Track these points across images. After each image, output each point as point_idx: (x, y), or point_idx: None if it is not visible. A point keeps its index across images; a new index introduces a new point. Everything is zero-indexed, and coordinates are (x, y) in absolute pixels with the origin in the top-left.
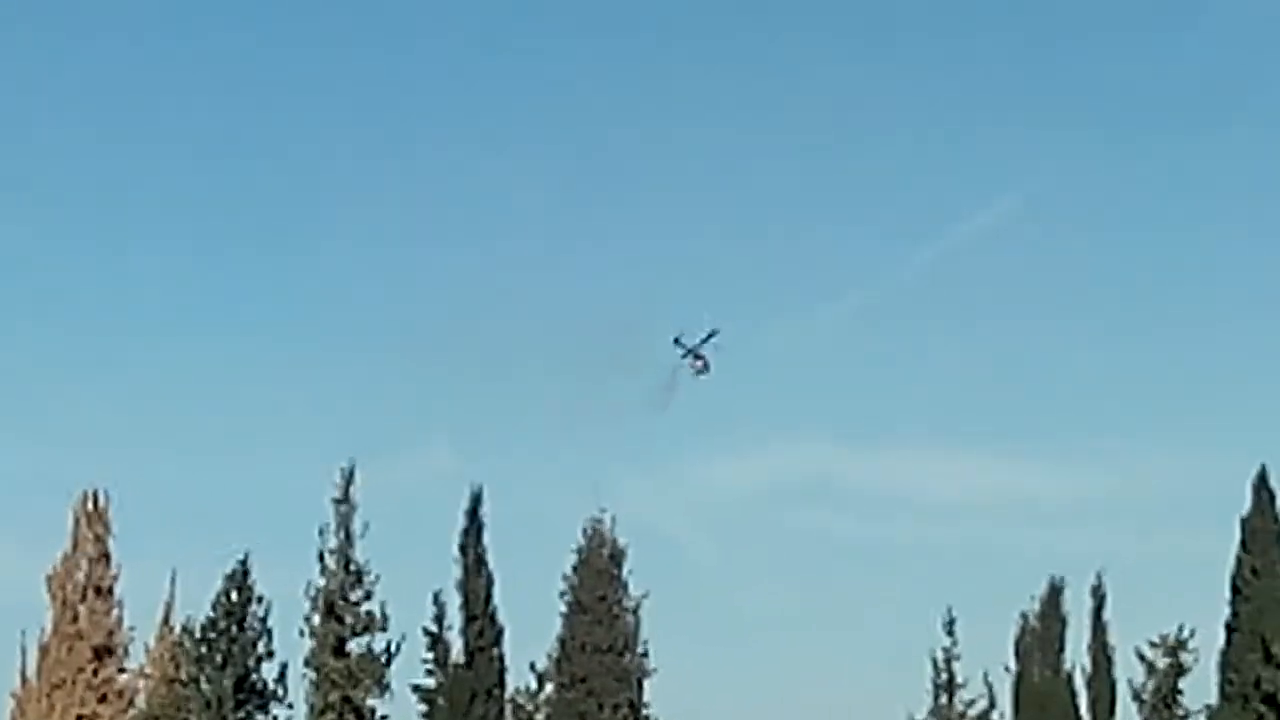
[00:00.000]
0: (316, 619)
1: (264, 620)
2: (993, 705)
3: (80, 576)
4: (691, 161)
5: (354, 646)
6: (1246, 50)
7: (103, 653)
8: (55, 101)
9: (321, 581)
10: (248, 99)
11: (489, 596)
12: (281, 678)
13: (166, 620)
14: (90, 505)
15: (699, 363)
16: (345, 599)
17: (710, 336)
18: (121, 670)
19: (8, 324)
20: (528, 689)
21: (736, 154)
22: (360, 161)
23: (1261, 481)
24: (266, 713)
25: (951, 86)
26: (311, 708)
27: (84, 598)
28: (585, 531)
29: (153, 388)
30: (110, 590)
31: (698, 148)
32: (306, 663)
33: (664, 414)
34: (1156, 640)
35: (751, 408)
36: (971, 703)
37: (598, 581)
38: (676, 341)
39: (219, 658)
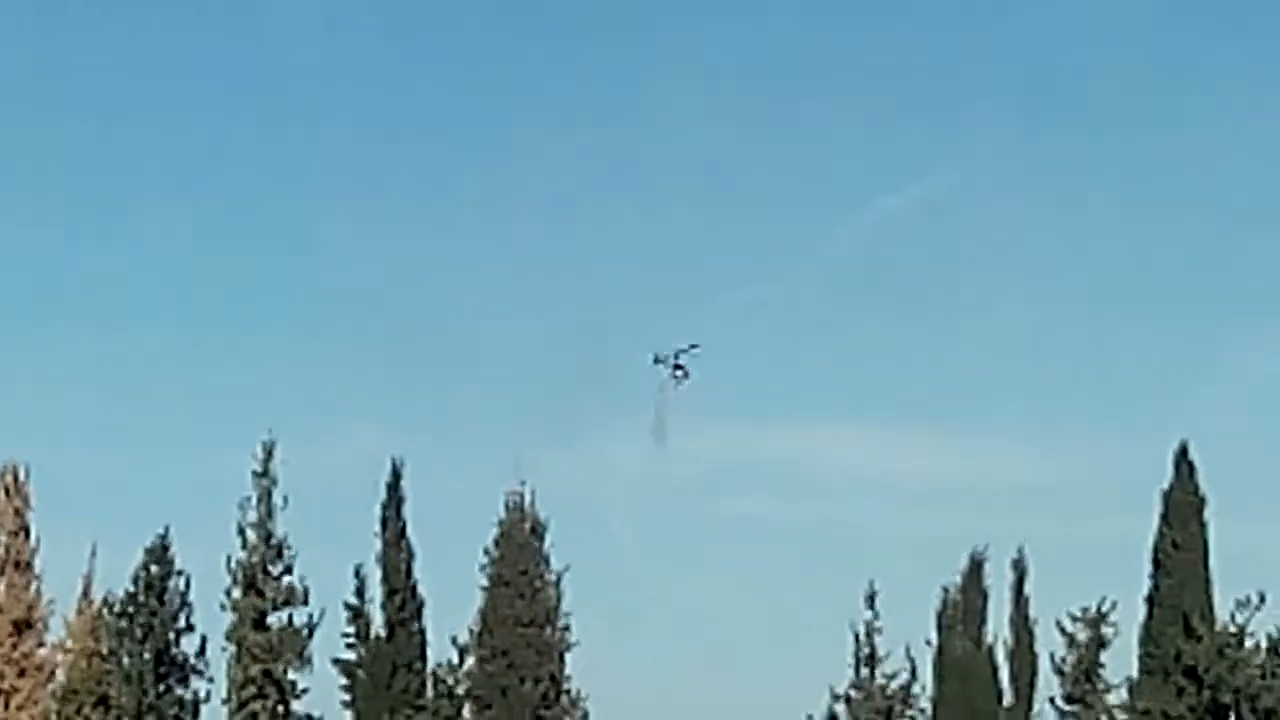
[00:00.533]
0: (237, 593)
1: (184, 594)
2: (914, 678)
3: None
4: (604, 152)
5: (275, 620)
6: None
7: (22, 626)
8: None
9: (242, 555)
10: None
11: (410, 570)
12: (202, 651)
13: (86, 594)
14: (9, 479)
15: (679, 373)
16: (266, 573)
17: (691, 348)
18: (41, 644)
19: None
20: (449, 662)
21: (660, 135)
22: (290, 145)
23: (1182, 455)
24: (187, 686)
25: (881, 60)
26: (232, 681)
27: (2, 572)
28: (506, 505)
29: (75, 365)
30: (29, 564)
31: (608, 136)
32: (227, 636)
33: (665, 448)
34: (1078, 613)
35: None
36: (893, 675)
37: (519, 555)
38: (656, 359)
39: (139, 632)
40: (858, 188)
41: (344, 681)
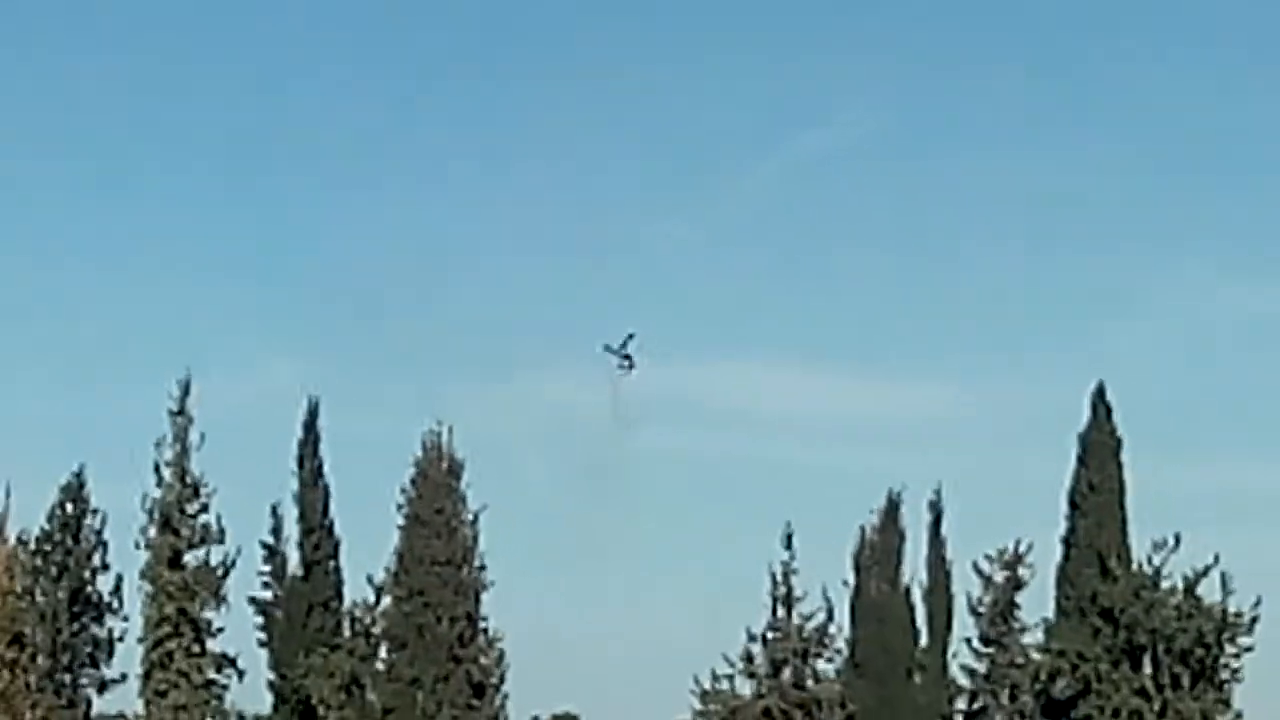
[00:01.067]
0: (153, 531)
1: (99, 533)
2: (831, 618)
3: None
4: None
5: (190, 559)
6: None
7: None
8: None
9: (158, 494)
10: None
11: (326, 509)
12: (117, 590)
13: (0, 532)
14: None
15: (626, 362)
16: (182, 511)
17: (629, 339)
18: None
19: None
20: (365, 602)
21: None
22: (215, 81)
23: (1099, 397)
24: (102, 624)
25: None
26: (147, 620)
27: None
28: (424, 444)
29: None
30: None
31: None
32: (142, 575)
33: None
34: (994, 555)
35: (591, 325)
36: (810, 616)
37: (436, 494)
38: (606, 348)
39: (54, 570)
40: (778, 125)
41: (260, 620)
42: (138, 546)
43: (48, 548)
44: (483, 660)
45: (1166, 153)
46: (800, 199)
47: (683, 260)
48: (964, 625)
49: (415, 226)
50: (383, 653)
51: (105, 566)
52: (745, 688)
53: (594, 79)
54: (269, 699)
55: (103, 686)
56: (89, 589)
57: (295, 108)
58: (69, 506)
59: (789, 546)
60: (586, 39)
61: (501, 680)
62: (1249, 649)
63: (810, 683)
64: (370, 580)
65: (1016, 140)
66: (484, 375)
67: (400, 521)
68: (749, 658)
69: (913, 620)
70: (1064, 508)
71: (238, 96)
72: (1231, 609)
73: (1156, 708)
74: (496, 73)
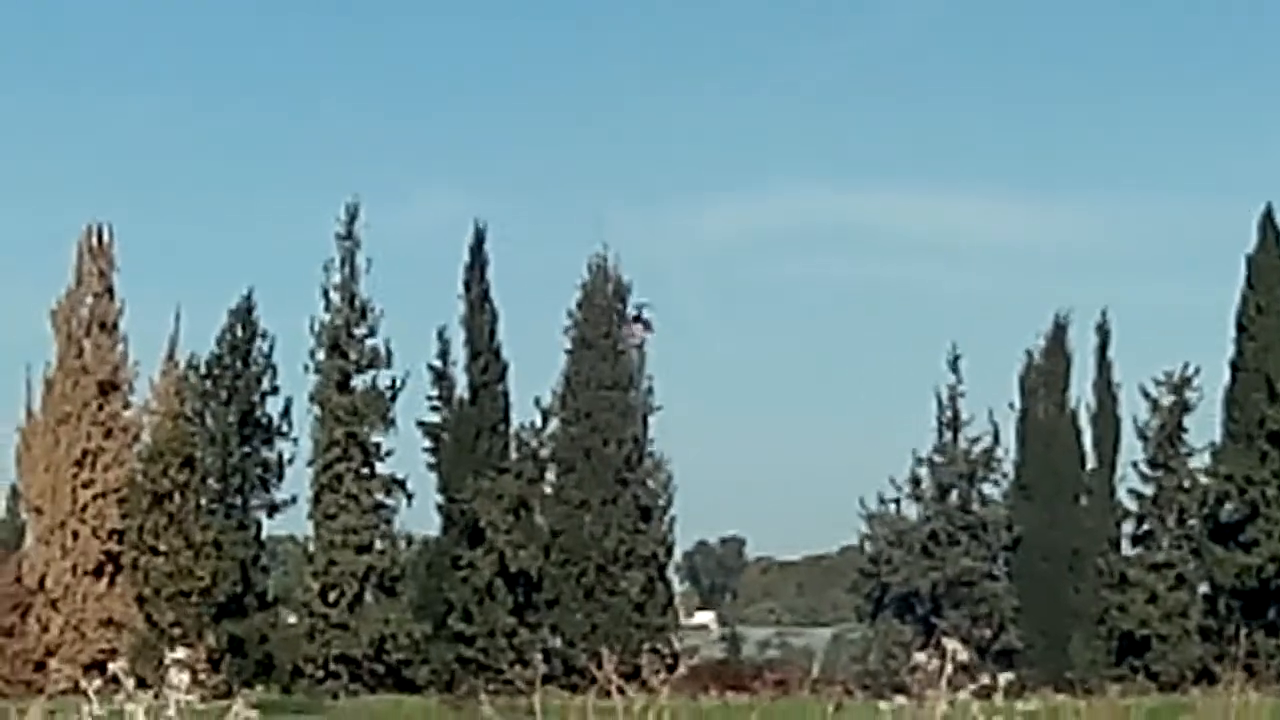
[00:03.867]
0: (321, 354)
1: (269, 356)
2: (997, 442)
3: (85, 312)
4: None
5: (359, 382)
6: None
7: (108, 388)
8: None
9: (326, 317)
10: None
11: (493, 333)
12: (286, 413)
13: (171, 356)
14: (94, 240)
15: (642, 327)
16: (350, 335)
17: (643, 307)
18: (126, 405)
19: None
20: (532, 425)
21: None
22: None
23: (1268, 220)
24: (271, 447)
25: None
26: (316, 443)
27: (89, 333)
28: (589, 268)
29: (159, 129)
30: (115, 325)
31: None
32: (311, 398)
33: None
34: (1161, 378)
35: (749, 154)
36: (976, 440)
37: (601, 318)
38: (620, 317)
39: (224, 393)
40: None
41: (428, 444)
42: (306, 370)
43: (218, 371)
44: (649, 483)
45: None
46: (955, 31)
47: (841, 88)
48: (1131, 449)
49: (580, 58)
50: (550, 475)
51: (274, 390)
52: (911, 511)
53: None
54: (437, 521)
55: (272, 509)
56: (258, 412)
57: None
58: (238, 330)
59: (955, 370)
60: None
61: (668, 504)
62: None
63: (976, 506)
64: (537, 403)
65: None
66: (647, 200)
67: (567, 345)
68: (915, 481)
69: (1079, 444)
70: (1231, 331)
71: None
72: None
73: None
74: None
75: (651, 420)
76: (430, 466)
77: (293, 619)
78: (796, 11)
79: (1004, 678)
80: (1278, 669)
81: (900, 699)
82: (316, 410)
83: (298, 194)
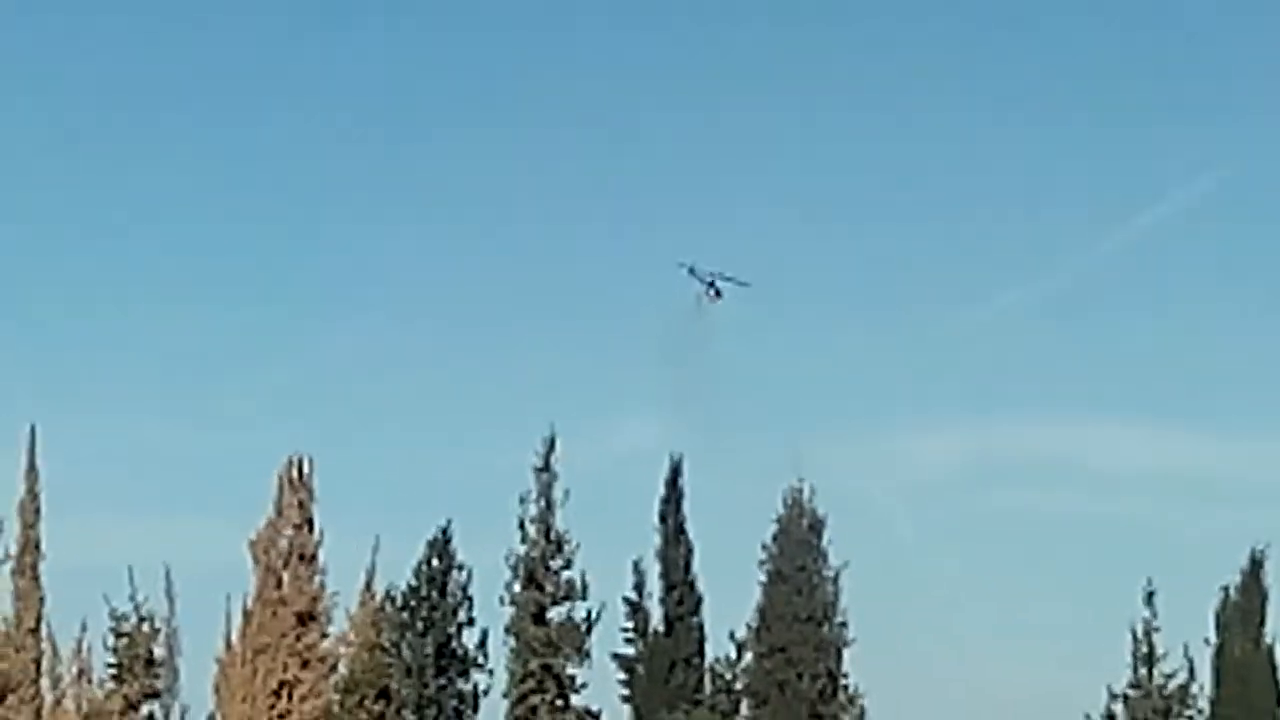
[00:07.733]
0: (517, 586)
1: (465, 587)
2: (1193, 677)
3: (284, 543)
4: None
5: (554, 614)
6: None
7: (305, 618)
8: None
9: (522, 549)
10: None
11: (688, 565)
12: (482, 645)
13: (369, 587)
14: (294, 472)
15: (712, 290)
16: (546, 567)
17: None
18: (324, 636)
19: (212, 299)
20: (727, 658)
21: (919, 138)
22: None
23: None
24: (467, 679)
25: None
26: (512, 675)
27: (287, 564)
28: (785, 501)
29: (360, 359)
30: (313, 556)
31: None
32: (507, 630)
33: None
34: None
35: (946, 389)
36: (1171, 675)
37: (797, 551)
38: (691, 272)
39: (420, 624)
40: (1131, 190)
41: (622, 676)
42: (502, 602)
43: (414, 602)
44: (844, 717)
45: None
46: (1143, 265)
47: (1036, 319)
48: None
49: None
50: (744, 709)
51: (470, 621)
52: None
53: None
54: None
55: None
56: (454, 644)
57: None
58: (436, 561)
59: (1150, 604)
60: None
61: None
62: None
63: None
64: (732, 636)
65: None
66: (845, 432)
67: (761, 578)
68: (1110, 716)
69: (1275, 679)
70: None
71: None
72: None
73: None
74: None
75: (846, 654)
76: (624, 699)
77: None
78: (978, 256)
79: None
80: None
81: None
82: (512, 642)
83: (495, 424)
